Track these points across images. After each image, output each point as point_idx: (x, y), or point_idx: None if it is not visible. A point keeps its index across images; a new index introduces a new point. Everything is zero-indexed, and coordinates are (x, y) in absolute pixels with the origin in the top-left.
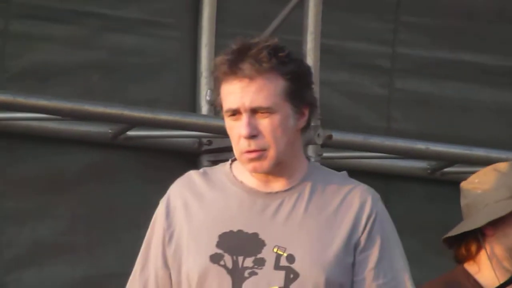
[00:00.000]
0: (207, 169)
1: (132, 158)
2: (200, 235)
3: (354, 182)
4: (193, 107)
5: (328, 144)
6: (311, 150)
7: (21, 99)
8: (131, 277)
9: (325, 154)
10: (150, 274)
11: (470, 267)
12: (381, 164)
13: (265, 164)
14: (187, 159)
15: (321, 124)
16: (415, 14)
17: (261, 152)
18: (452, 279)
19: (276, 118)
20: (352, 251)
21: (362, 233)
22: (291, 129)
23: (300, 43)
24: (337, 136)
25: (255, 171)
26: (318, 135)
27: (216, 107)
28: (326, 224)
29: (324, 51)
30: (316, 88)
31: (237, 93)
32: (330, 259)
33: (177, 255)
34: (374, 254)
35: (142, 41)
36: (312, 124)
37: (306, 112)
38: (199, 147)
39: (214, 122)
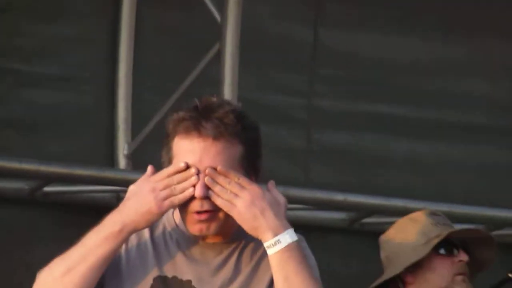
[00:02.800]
0: None
1: (49, 214)
2: (135, 272)
3: None
4: (111, 161)
5: None
6: None
7: None
8: None
9: None
10: None
11: None
12: (300, 216)
13: (213, 226)
14: (106, 214)
15: None
16: (330, 66)
17: (212, 213)
18: None
19: None
20: None
21: None
22: None
23: (217, 96)
24: None
25: (200, 233)
26: None
27: (163, 163)
28: (252, 275)
29: (241, 103)
30: None
31: (196, 151)
32: None
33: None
34: None
35: (58, 96)
36: None
37: (253, 178)
38: (117, 202)
39: (132, 176)
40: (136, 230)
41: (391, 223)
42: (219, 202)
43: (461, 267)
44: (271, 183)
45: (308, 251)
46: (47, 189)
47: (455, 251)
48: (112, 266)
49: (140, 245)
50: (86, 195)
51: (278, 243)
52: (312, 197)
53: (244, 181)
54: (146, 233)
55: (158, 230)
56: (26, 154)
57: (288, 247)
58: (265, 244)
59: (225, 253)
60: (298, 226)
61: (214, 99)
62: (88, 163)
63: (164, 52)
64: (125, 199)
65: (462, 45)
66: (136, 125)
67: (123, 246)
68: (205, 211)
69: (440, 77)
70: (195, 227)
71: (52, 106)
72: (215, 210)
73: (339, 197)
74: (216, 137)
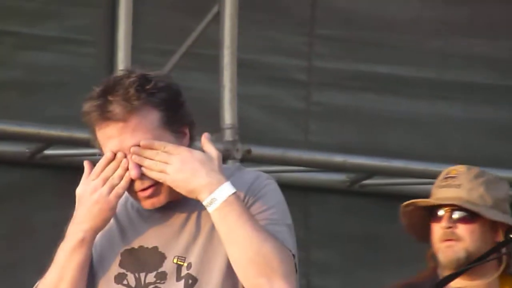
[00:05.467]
0: None
1: (50, 176)
2: (104, 254)
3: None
4: None
5: (247, 159)
6: (230, 165)
7: None
8: None
9: None
10: None
11: None
12: (300, 177)
13: (162, 197)
14: None
15: (240, 138)
16: (329, 27)
17: (154, 187)
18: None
19: None
20: None
21: None
22: None
23: (217, 58)
24: (256, 150)
25: (153, 206)
26: (237, 150)
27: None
28: (215, 228)
29: (241, 65)
30: (234, 101)
31: (115, 136)
32: (222, 263)
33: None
34: None
35: (58, 58)
36: (231, 139)
37: (187, 130)
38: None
39: None
40: (97, 232)
41: (391, 185)
42: (153, 175)
43: (445, 233)
44: (204, 137)
45: (269, 188)
46: (47, 152)
47: (440, 216)
48: None
49: (104, 229)
50: (86, 158)
51: (214, 200)
52: (311, 158)
53: (170, 147)
54: None
55: (120, 205)
56: (26, 116)
57: (225, 202)
58: (204, 204)
59: (186, 211)
60: (298, 187)
61: (115, 76)
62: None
63: (163, 13)
64: (76, 206)
65: (463, 5)
66: None
67: None
68: (148, 187)
69: (440, 37)
70: (146, 203)
71: (52, 68)
72: (156, 183)
73: (338, 158)
74: (125, 117)
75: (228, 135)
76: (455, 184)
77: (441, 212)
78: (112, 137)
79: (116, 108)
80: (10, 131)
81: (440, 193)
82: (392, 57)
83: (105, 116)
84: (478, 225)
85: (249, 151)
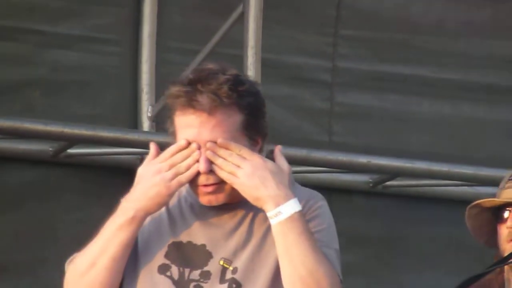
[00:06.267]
0: None
1: (73, 175)
2: (151, 241)
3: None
4: (135, 123)
5: (271, 159)
6: None
7: None
8: None
9: None
10: None
11: None
12: (323, 178)
13: (221, 197)
14: (129, 176)
15: None
16: (353, 27)
17: (218, 185)
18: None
19: None
20: None
21: None
22: None
23: (241, 58)
24: None
25: (210, 204)
26: (261, 149)
27: (170, 136)
28: (265, 238)
29: (265, 65)
30: None
31: (194, 126)
32: (269, 272)
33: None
34: None
35: (82, 57)
36: None
37: (260, 140)
38: (141, 164)
39: (155, 138)
40: (149, 214)
41: (415, 186)
42: (222, 174)
43: (511, 233)
44: (278, 149)
45: (323, 210)
46: (71, 151)
47: (506, 217)
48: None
49: (155, 216)
50: (110, 157)
51: (279, 214)
52: (335, 159)
53: (245, 152)
54: None
55: (174, 197)
56: (49, 115)
57: (290, 218)
58: (267, 215)
59: (239, 215)
60: (322, 188)
61: (209, 68)
62: (112, 125)
63: (188, 13)
64: (134, 183)
65: (486, 6)
66: (160, 87)
67: None
68: (211, 184)
69: (464, 38)
70: (204, 199)
71: (76, 67)
72: (220, 182)
73: (362, 159)
74: (211, 111)
75: None
76: None
77: (506, 213)
78: (191, 126)
79: (204, 99)
80: (34, 130)
81: (505, 194)
82: (415, 58)
83: (191, 104)
84: None
85: (272, 151)
